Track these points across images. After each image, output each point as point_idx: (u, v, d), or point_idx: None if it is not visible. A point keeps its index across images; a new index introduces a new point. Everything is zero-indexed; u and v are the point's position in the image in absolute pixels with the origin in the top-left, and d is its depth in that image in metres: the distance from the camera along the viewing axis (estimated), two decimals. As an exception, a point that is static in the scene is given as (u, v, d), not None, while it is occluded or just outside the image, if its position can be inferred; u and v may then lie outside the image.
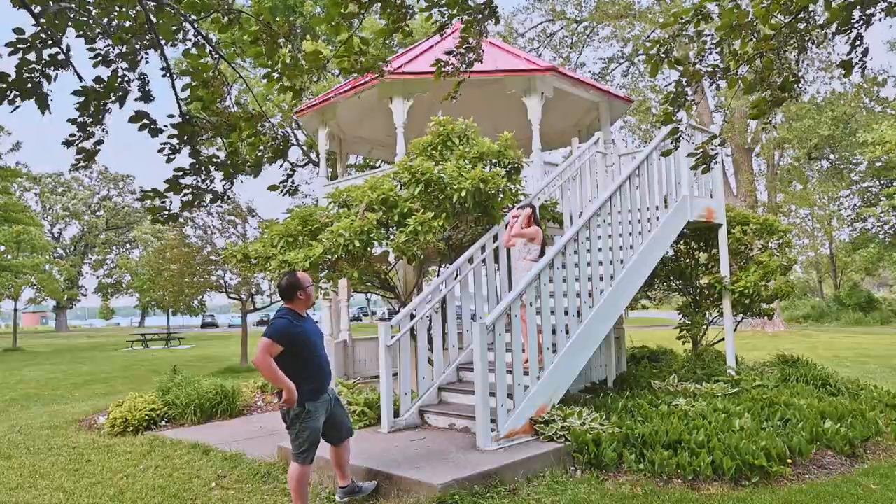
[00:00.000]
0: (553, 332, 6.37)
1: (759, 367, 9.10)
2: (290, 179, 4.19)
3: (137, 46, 3.23)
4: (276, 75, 3.67)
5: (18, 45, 2.92)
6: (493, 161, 7.28)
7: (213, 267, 16.08)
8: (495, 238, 7.34)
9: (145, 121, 3.29)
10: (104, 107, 3.23)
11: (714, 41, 3.91)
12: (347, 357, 10.09)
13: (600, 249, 7.31)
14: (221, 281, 16.51)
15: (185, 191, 3.49)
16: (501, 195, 7.06)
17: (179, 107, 3.41)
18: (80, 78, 3.12)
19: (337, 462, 4.79)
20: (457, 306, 7.08)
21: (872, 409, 6.71)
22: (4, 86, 2.89)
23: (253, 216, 16.44)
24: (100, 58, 3.21)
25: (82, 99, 3.18)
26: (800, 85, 3.91)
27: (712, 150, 4.37)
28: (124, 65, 3.25)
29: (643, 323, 30.52)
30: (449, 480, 4.63)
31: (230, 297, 17.82)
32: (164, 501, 5.06)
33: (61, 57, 3.00)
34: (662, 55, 3.90)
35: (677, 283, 10.06)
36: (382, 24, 3.91)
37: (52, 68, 3.02)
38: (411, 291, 7.93)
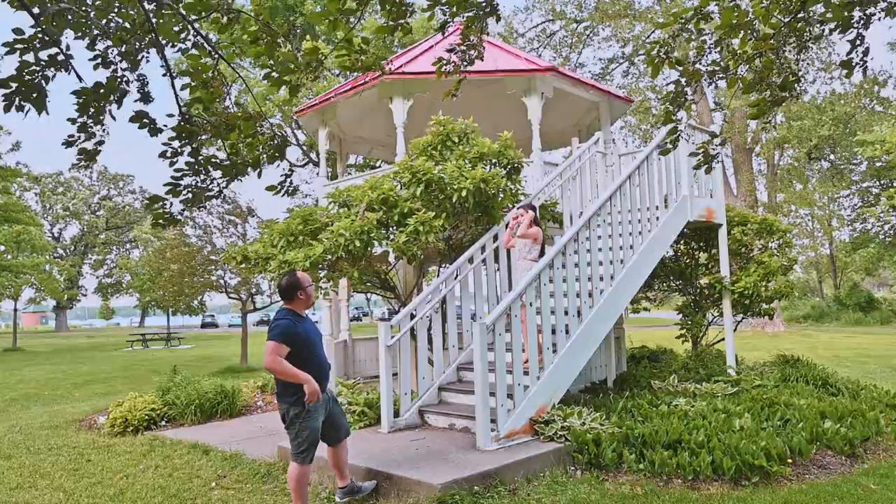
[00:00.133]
0: (553, 332, 6.37)
1: (759, 367, 9.10)
2: (289, 180, 4.18)
3: (137, 47, 3.23)
4: (275, 75, 3.66)
5: (16, 46, 2.92)
6: (493, 161, 7.28)
7: (212, 267, 16.08)
8: (495, 238, 7.34)
9: (145, 120, 3.29)
10: (103, 107, 3.23)
11: (713, 40, 3.91)
12: (347, 357, 10.09)
13: (600, 249, 7.31)
14: (221, 281, 16.50)
15: (185, 191, 3.48)
16: (502, 195, 7.06)
17: (179, 107, 3.41)
18: (80, 78, 3.12)
19: (335, 462, 4.79)
20: (457, 306, 7.08)
21: (872, 409, 6.71)
22: (9, 90, 2.89)
23: (253, 216, 16.44)
24: (99, 59, 3.21)
25: (82, 99, 3.18)
26: (800, 84, 3.91)
27: (713, 149, 4.37)
28: (124, 65, 3.24)
29: (643, 323, 30.52)
30: (449, 480, 4.63)
31: (230, 297, 17.82)
32: (164, 501, 5.06)
33: (61, 57, 3.00)
34: (663, 56, 3.90)
35: (677, 283, 10.06)
36: (382, 22, 3.91)
37: (52, 69, 3.01)
38: (411, 291, 7.93)
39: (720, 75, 3.90)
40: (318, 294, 7.36)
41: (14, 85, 2.90)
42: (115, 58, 3.22)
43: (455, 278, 6.96)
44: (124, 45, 3.17)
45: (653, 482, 5.00)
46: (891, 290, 53.92)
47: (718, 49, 3.94)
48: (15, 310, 29.78)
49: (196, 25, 3.45)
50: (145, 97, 3.32)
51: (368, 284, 7.56)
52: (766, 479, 5.00)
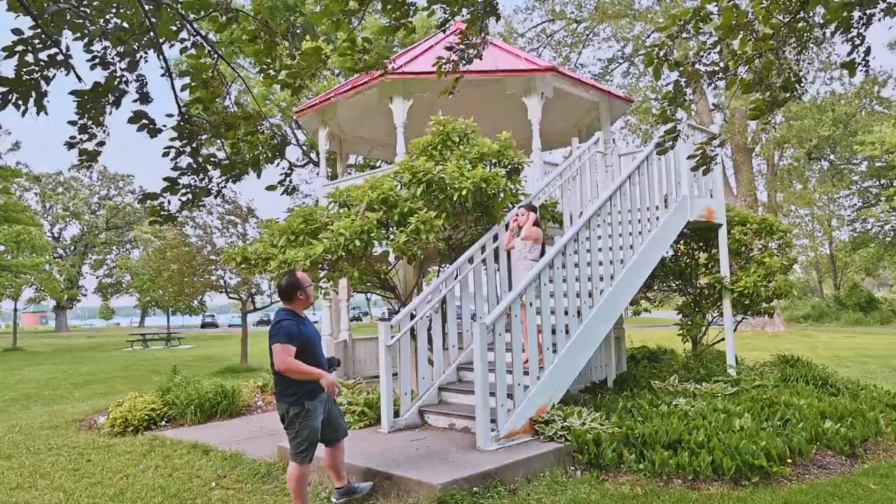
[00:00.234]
0: (553, 332, 6.37)
1: (759, 367, 9.10)
2: (288, 179, 4.18)
3: (136, 47, 3.23)
4: (273, 73, 3.66)
5: (15, 49, 2.92)
6: (494, 161, 7.28)
7: (213, 267, 16.08)
8: (495, 238, 7.34)
9: (144, 121, 3.29)
10: (103, 108, 3.22)
11: (713, 41, 3.91)
12: (347, 357, 10.09)
13: (600, 249, 7.31)
14: (221, 281, 16.50)
15: (184, 190, 3.48)
16: (502, 195, 7.06)
17: (178, 107, 3.41)
18: (80, 79, 3.12)
19: (332, 463, 4.79)
20: (457, 306, 7.08)
21: (872, 409, 6.70)
22: (6, 89, 2.89)
23: (253, 216, 16.44)
24: (97, 60, 3.21)
25: (81, 100, 3.18)
26: (801, 85, 3.91)
27: (712, 151, 4.37)
28: (122, 65, 3.24)
29: (643, 323, 30.50)
30: (449, 480, 4.63)
31: (230, 297, 17.81)
32: (164, 501, 5.06)
33: (60, 58, 3.00)
34: (662, 58, 3.90)
35: (677, 283, 10.06)
36: (383, 22, 3.92)
37: (52, 69, 3.01)
38: (411, 291, 7.94)
39: (719, 76, 3.90)
40: (318, 294, 7.36)
41: (11, 85, 2.90)
42: (112, 58, 3.22)
43: (455, 278, 6.96)
44: (122, 46, 3.16)
45: (653, 482, 5.00)
46: (891, 290, 53.93)
47: (718, 50, 3.94)
48: (15, 310, 29.78)
49: (195, 25, 3.45)
50: (144, 97, 3.32)
51: (368, 284, 7.56)
52: (766, 479, 5.00)
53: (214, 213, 16.32)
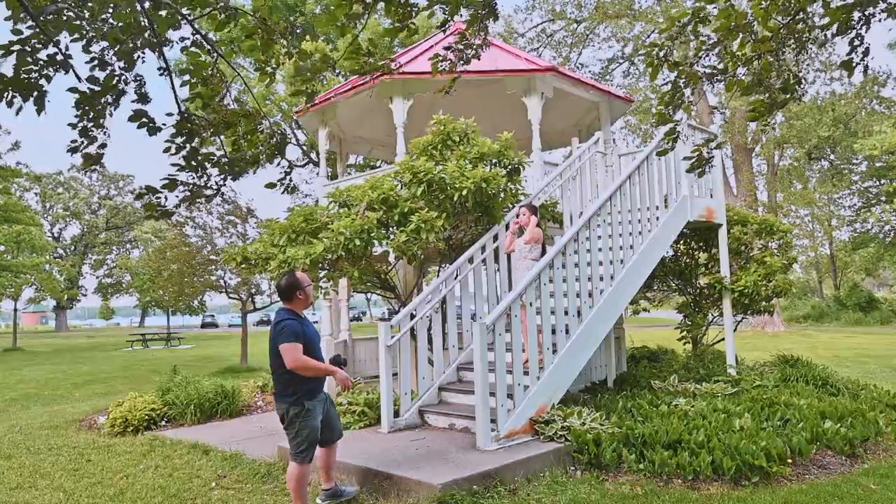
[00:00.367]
0: (553, 332, 6.37)
1: (759, 367, 9.10)
2: (288, 177, 4.18)
3: (134, 45, 3.22)
4: (269, 70, 3.66)
5: (11, 49, 2.92)
6: (494, 161, 7.28)
7: (213, 267, 16.08)
8: (495, 238, 7.34)
9: (144, 119, 3.29)
10: (102, 109, 3.22)
11: (712, 42, 3.91)
12: (347, 357, 10.08)
13: (600, 249, 7.31)
14: (221, 281, 16.51)
15: (182, 188, 3.48)
16: (502, 195, 7.06)
17: (178, 105, 3.41)
18: (79, 79, 3.12)
19: (324, 463, 4.78)
20: (457, 306, 7.08)
21: (872, 409, 6.71)
22: (2, 87, 2.89)
23: (252, 217, 16.44)
24: (95, 61, 3.21)
25: (79, 96, 3.17)
26: (801, 86, 3.91)
27: (708, 153, 4.36)
28: (120, 64, 3.24)
29: (643, 323, 30.52)
30: (449, 480, 4.63)
31: (230, 297, 17.82)
32: (164, 501, 5.06)
33: (60, 57, 3.00)
34: (661, 59, 3.90)
35: (677, 283, 10.06)
36: (386, 24, 3.93)
37: (51, 69, 3.01)
38: (411, 291, 7.94)
39: (718, 77, 3.90)
40: (318, 294, 7.36)
41: (9, 83, 2.90)
42: (110, 58, 3.22)
43: (455, 278, 6.96)
44: (119, 45, 3.16)
45: (653, 482, 5.00)
46: (891, 290, 53.93)
47: (717, 51, 3.94)
48: (15, 310, 29.78)
49: (195, 24, 3.45)
50: (142, 97, 3.32)
51: (368, 284, 7.56)
52: (766, 479, 5.00)
53: (214, 213, 16.33)
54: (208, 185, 3.53)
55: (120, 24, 3.14)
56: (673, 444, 5.33)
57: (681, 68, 3.91)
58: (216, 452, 6.32)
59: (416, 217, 6.37)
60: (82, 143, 3.24)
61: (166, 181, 3.42)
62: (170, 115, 3.41)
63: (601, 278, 7.11)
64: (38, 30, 2.89)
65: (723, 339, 9.18)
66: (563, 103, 10.03)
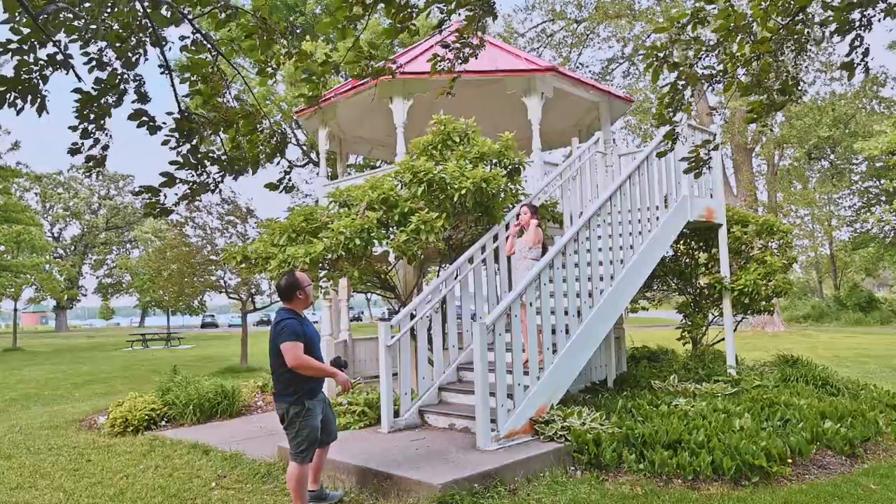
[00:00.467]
0: (553, 332, 6.37)
1: (759, 367, 9.10)
2: (288, 177, 4.18)
3: (135, 43, 3.22)
4: (270, 70, 3.67)
5: (9, 47, 2.92)
6: (494, 161, 7.28)
7: (213, 267, 16.08)
8: (495, 238, 7.34)
9: (144, 118, 3.29)
10: (103, 110, 3.22)
11: (711, 43, 3.91)
12: (347, 357, 10.08)
13: (600, 249, 7.31)
14: (221, 281, 16.51)
15: (181, 185, 3.48)
16: (502, 195, 7.06)
17: (178, 104, 3.41)
18: (79, 78, 3.12)
19: (314, 465, 4.77)
20: (457, 306, 7.08)
21: (872, 409, 6.71)
22: (4, 88, 2.89)
23: (252, 217, 16.44)
24: (94, 61, 3.21)
25: (81, 97, 3.17)
26: (799, 88, 3.91)
27: (706, 154, 4.35)
28: (118, 64, 3.24)
29: (643, 323, 30.53)
30: (449, 480, 4.63)
31: (230, 297, 17.82)
32: (164, 501, 5.06)
33: (60, 57, 3.00)
34: (661, 61, 3.89)
35: (677, 282, 10.07)
36: (385, 24, 3.93)
37: (51, 69, 3.01)
38: (411, 291, 7.94)
39: (717, 78, 3.90)
40: (318, 294, 7.36)
41: (10, 84, 2.90)
42: (109, 58, 3.22)
43: (455, 278, 6.96)
44: (120, 44, 3.16)
45: (653, 482, 5.00)
46: (891, 290, 53.94)
47: (716, 52, 3.93)
48: (15, 310, 29.78)
49: (195, 23, 3.45)
50: (142, 97, 3.32)
51: (368, 284, 7.56)
52: (766, 479, 5.00)
53: (214, 214, 16.33)
54: (207, 182, 3.53)
55: (116, 24, 3.14)
56: (673, 444, 5.33)
57: (681, 69, 3.91)
58: (216, 452, 6.32)
59: (415, 218, 6.37)
60: (82, 144, 3.24)
61: (165, 178, 3.42)
62: (170, 113, 3.41)
63: (601, 278, 7.11)
64: (37, 29, 2.89)
65: (723, 339, 9.18)
66: (563, 103, 10.03)
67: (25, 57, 2.94)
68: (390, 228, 6.76)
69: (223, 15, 3.41)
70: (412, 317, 6.52)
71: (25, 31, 2.93)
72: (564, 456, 5.39)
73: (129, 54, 3.22)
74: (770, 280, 9.06)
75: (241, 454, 6.15)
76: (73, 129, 3.22)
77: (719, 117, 27.21)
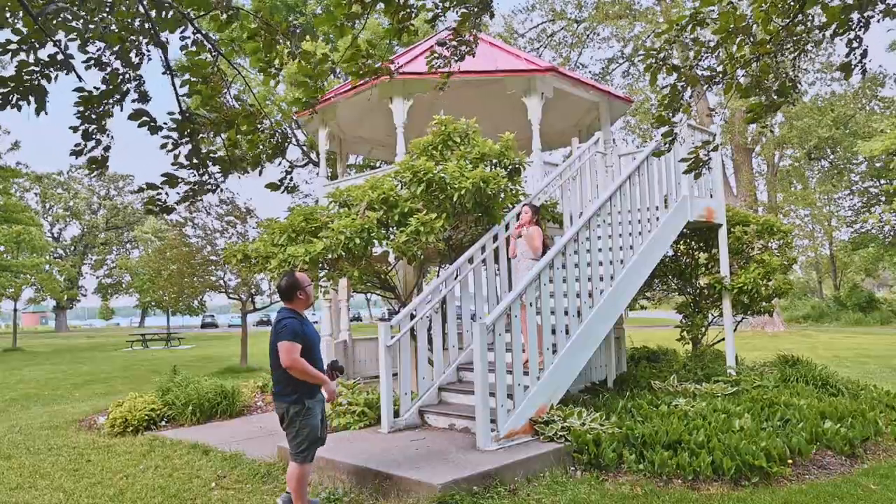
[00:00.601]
0: (553, 332, 6.37)
1: (759, 367, 9.10)
2: (289, 177, 4.19)
3: (136, 44, 3.22)
4: (273, 71, 3.67)
5: (8, 48, 2.92)
6: (495, 161, 7.29)
7: (213, 267, 16.08)
8: (495, 238, 7.34)
9: (145, 118, 3.29)
10: (105, 110, 3.22)
11: (711, 44, 3.91)
12: (347, 357, 10.09)
13: (600, 249, 7.32)
14: (221, 281, 16.51)
15: (183, 185, 3.48)
16: (502, 195, 7.06)
17: (179, 104, 3.41)
18: (80, 78, 3.12)
19: None
20: (457, 306, 7.09)
21: (872, 409, 6.71)
22: (6, 90, 2.89)
23: (252, 216, 16.43)
24: (93, 61, 3.21)
25: (83, 96, 3.17)
26: (797, 90, 3.91)
27: (705, 155, 4.35)
28: (118, 64, 3.24)
29: (643, 323, 30.52)
30: (449, 480, 4.64)
31: (230, 298, 17.81)
32: (164, 501, 5.06)
33: (60, 57, 3.00)
34: (660, 63, 3.90)
35: (677, 282, 10.07)
36: (385, 24, 3.93)
37: (52, 69, 3.01)
38: (411, 291, 7.94)
39: (717, 80, 3.90)
40: (318, 293, 7.36)
41: (12, 84, 2.90)
42: (108, 59, 3.22)
43: (455, 278, 6.96)
44: (120, 45, 3.16)
45: (653, 482, 5.00)
46: (891, 290, 53.96)
47: (716, 53, 3.94)
48: (15, 310, 29.78)
49: (196, 23, 3.45)
50: (143, 97, 3.32)
51: (368, 284, 7.56)
52: (766, 479, 5.00)
53: (213, 214, 16.32)
54: (209, 182, 3.53)
55: (112, 25, 3.14)
56: (673, 444, 5.33)
57: (681, 71, 3.91)
58: (216, 453, 6.32)
59: (414, 219, 6.38)
60: (85, 146, 3.24)
61: (167, 178, 3.42)
62: (171, 113, 3.41)
63: (601, 278, 7.11)
64: (37, 29, 2.90)
65: (723, 340, 9.18)
66: (563, 103, 10.03)
67: (26, 57, 2.94)
68: (390, 228, 6.76)
69: (224, 16, 3.41)
70: (412, 317, 6.52)
71: (25, 31, 2.94)
72: (564, 456, 5.39)
73: (131, 55, 3.22)
74: (769, 279, 9.06)
75: (240, 454, 6.15)
76: (75, 129, 3.22)
77: (719, 117, 27.21)
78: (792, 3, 3.59)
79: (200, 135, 3.44)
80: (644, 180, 7.82)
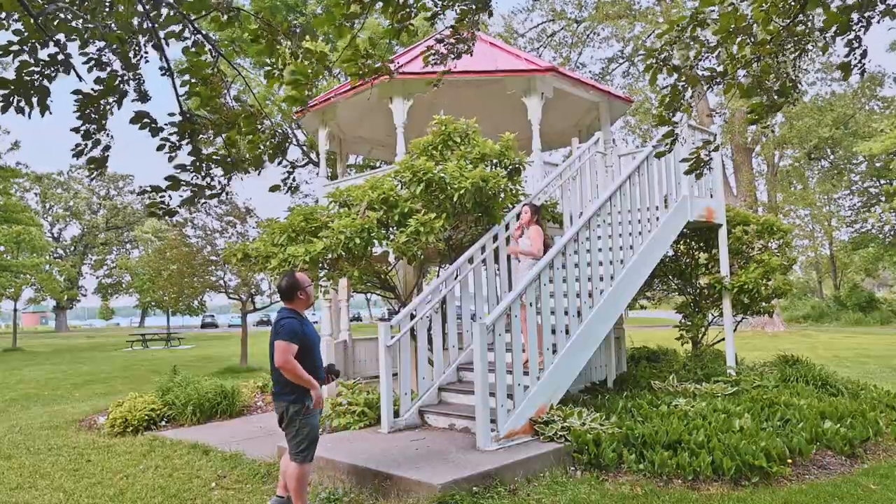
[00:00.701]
0: (553, 332, 6.37)
1: (759, 367, 9.10)
2: (291, 177, 4.19)
3: (137, 42, 3.22)
4: (276, 72, 3.67)
5: (10, 49, 2.92)
6: (495, 162, 7.28)
7: (213, 267, 16.08)
8: (495, 238, 7.34)
9: (146, 120, 3.29)
10: (104, 111, 3.22)
11: (712, 44, 3.91)
12: (347, 357, 10.09)
13: (600, 249, 7.32)
14: (221, 282, 16.51)
15: (185, 187, 3.48)
16: (502, 195, 7.06)
17: (180, 105, 3.41)
18: (80, 78, 3.12)
19: (281, 471, 4.72)
20: (457, 306, 7.09)
21: (872, 409, 6.71)
22: (7, 91, 2.89)
23: (251, 216, 16.44)
24: (93, 61, 3.20)
25: (82, 97, 3.17)
26: (797, 90, 3.91)
27: (706, 155, 4.35)
28: (118, 65, 3.24)
29: (643, 323, 30.52)
30: (449, 480, 4.64)
31: (230, 298, 17.82)
32: (164, 501, 5.06)
33: (61, 57, 3.00)
34: (661, 63, 3.90)
35: (677, 282, 10.07)
36: (384, 24, 3.94)
37: (53, 69, 3.01)
38: (411, 291, 7.94)
39: (717, 80, 3.90)
40: (318, 293, 7.36)
41: (13, 87, 2.90)
42: (108, 59, 3.22)
43: (455, 278, 6.96)
44: (119, 46, 3.16)
45: (653, 482, 5.00)
46: (891, 290, 53.96)
47: (716, 54, 3.93)
48: (15, 310, 29.78)
49: (196, 24, 3.45)
50: (142, 97, 3.32)
51: (368, 284, 7.56)
52: (766, 479, 5.00)
53: (213, 214, 16.33)
54: (211, 184, 3.52)
55: (112, 25, 3.14)
56: (673, 444, 5.33)
57: (681, 71, 3.91)
58: (216, 453, 6.32)
59: (414, 219, 6.38)
60: (85, 146, 3.24)
61: (170, 181, 3.42)
62: (172, 114, 3.41)
63: (601, 278, 7.11)
64: (37, 29, 2.89)
65: (723, 340, 9.18)
66: (563, 103, 10.03)
67: (27, 58, 2.94)
68: (390, 228, 6.76)
69: (225, 17, 3.41)
70: (412, 317, 6.52)
71: (24, 29, 2.94)
72: (564, 456, 5.39)
73: (130, 55, 3.22)
74: (770, 280, 9.07)
75: (240, 454, 6.15)
76: (76, 130, 3.22)
77: (719, 118, 27.22)
78: (793, 4, 3.59)
79: (201, 135, 3.43)
80: (644, 180, 7.82)
